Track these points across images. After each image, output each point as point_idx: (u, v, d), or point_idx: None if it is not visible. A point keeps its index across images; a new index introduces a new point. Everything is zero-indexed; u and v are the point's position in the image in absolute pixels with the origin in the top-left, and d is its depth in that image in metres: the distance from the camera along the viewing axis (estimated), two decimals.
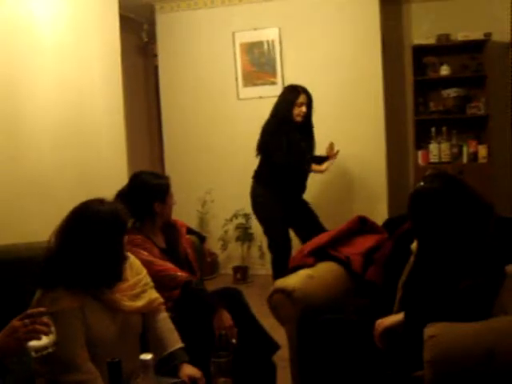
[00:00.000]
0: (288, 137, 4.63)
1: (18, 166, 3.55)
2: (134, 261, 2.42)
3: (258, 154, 4.88)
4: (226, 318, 2.74)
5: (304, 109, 4.71)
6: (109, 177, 4.30)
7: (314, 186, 4.76)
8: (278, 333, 2.96)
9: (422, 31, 6.12)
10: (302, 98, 4.71)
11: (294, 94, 4.75)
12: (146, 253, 2.76)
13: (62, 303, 2.06)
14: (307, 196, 5.12)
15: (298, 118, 4.73)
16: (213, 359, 2.02)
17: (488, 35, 5.80)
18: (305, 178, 4.88)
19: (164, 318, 2.45)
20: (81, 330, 2.10)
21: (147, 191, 2.93)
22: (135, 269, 2.40)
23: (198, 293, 2.82)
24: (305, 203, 4.99)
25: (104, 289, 2.19)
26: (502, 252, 2.34)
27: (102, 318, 2.18)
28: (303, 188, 4.92)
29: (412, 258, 2.57)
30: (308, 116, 4.79)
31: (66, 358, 2.03)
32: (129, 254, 2.37)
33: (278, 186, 4.74)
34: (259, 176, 4.92)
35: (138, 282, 2.36)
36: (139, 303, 2.32)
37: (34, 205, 3.62)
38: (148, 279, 2.44)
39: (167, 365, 2.34)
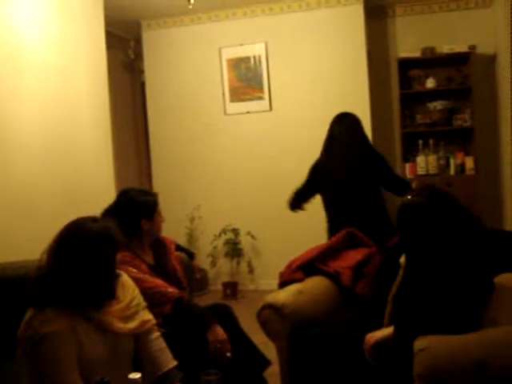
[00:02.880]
0: None
1: (4, 183, 3.52)
2: (126, 280, 2.40)
3: None
4: (221, 332, 2.74)
5: None
6: (96, 194, 4.28)
7: None
8: (269, 348, 2.95)
9: (407, 45, 6.18)
10: None
11: None
12: (135, 270, 2.75)
13: (54, 325, 2.04)
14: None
15: None
16: (203, 377, 2.01)
17: (472, 48, 5.87)
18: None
19: (156, 337, 2.41)
20: (73, 351, 2.07)
21: (134, 208, 2.92)
22: (127, 288, 2.37)
23: (191, 308, 2.81)
24: None
25: (96, 309, 2.16)
26: (489, 264, 2.34)
27: (94, 339, 2.15)
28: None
29: (401, 272, 2.57)
30: None
31: (58, 381, 2.01)
32: (121, 273, 2.35)
33: None
34: None
35: (130, 303, 2.33)
36: (131, 325, 2.29)
37: (20, 222, 3.59)
38: (140, 299, 2.41)
39: None
